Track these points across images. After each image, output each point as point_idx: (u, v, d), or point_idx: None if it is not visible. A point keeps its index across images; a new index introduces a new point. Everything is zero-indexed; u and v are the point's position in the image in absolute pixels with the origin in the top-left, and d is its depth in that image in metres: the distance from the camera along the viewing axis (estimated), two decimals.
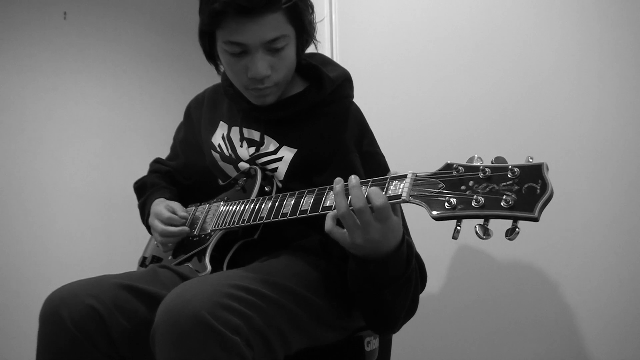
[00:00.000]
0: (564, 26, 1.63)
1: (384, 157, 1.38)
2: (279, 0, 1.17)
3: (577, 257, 1.57)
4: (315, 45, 1.39)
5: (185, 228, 1.39)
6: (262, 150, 1.38)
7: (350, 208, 0.98)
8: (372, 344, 1.34)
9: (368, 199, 0.97)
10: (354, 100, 1.44)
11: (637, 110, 1.49)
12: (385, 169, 1.36)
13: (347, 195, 1.00)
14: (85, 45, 3.52)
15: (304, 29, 1.28)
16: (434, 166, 0.95)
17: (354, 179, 1.00)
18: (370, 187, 1.01)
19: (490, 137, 1.76)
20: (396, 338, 1.45)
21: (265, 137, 1.38)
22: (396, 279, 1.07)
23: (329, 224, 1.02)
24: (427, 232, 1.22)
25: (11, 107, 3.25)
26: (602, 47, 1.55)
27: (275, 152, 1.36)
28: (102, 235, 3.43)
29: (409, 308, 1.17)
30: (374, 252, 1.02)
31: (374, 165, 1.33)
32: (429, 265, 1.23)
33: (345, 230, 1.01)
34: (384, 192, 0.98)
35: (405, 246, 1.07)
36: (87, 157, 3.45)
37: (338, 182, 1.02)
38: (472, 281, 1.78)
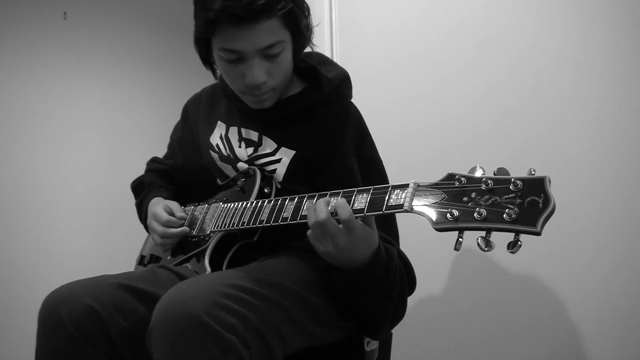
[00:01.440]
0: (564, 27, 1.64)
1: (381, 162, 1.39)
2: (274, 7, 1.17)
3: (577, 260, 1.58)
4: (312, 48, 1.39)
5: (185, 229, 1.39)
6: (261, 150, 1.38)
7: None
8: (372, 344, 1.35)
9: (335, 211, 1.02)
10: (353, 101, 1.44)
11: (638, 112, 1.50)
12: (382, 175, 1.37)
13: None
14: (85, 45, 3.52)
15: (300, 34, 1.28)
16: (434, 168, 0.96)
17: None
18: (339, 199, 1.05)
19: (491, 139, 1.77)
20: (396, 338, 1.46)
21: (264, 137, 1.39)
22: (375, 287, 1.11)
23: (309, 231, 1.07)
24: (427, 235, 1.22)
25: (11, 107, 3.24)
26: (604, 48, 1.56)
27: (273, 153, 1.36)
28: (101, 236, 3.42)
29: (395, 314, 1.20)
30: (350, 261, 1.07)
31: (371, 170, 1.34)
32: (430, 268, 1.24)
33: None
34: (385, 201, 0.99)
35: (384, 254, 1.10)
36: (86, 157, 3.45)
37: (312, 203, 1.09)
38: (472, 283, 1.79)
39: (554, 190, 0.81)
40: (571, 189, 1.56)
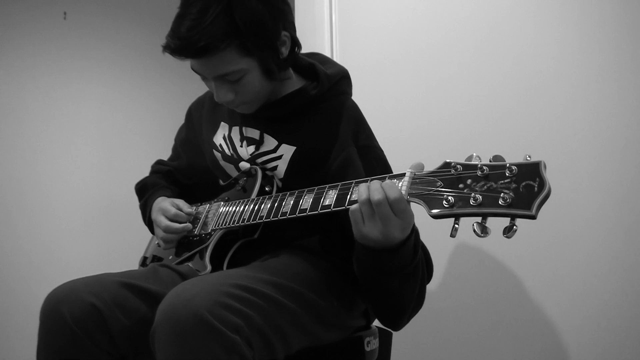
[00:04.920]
0: (564, 26, 1.63)
1: (382, 151, 1.38)
2: (216, 47, 1.16)
3: (575, 256, 1.57)
4: (297, 52, 1.35)
5: (189, 225, 1.40)
6: (262, 148, 1.38)
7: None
8: (372, 344, 1.35)
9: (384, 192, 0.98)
10: (353, 98, 1.44)
11: (637, 110, 1.49)
12: (384, 162, 1.36)
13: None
14: (85, 45, 3.52)
15: (267, 56, 1.25)
16: (434, 166, 0.96)
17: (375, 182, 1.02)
18: (386, 180, 1.02)
19: (490, 137, 1.77)
20: (396, 338, 1.46)
21: (265, 135, 1.39)
22: (404, 267, 1.08)
23: (354, 206, 1.02)
24: (425, 229, 1.23)
25: (11, 107, 3.25)
26: (602, 47, 1.56)
27: (274, 150, 1.36)
28: (102, 236, 3.43)
29: (417, 300, 1.18)
30: (385, 243, 1.03)
31: (371, 159, 1.33)
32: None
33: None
34: None
35: (413, 236, 1.08)
36: (87, 157, 3.46)
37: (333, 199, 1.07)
38: (471, 280, 1.78)
39: (553, 187, 0.81)
40: (570, 186, 1.56)
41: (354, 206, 1.02)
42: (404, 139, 1.97)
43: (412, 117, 1.99)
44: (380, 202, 0.97)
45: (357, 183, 1.06)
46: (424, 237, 1.20)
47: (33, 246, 3.20)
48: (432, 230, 1.30)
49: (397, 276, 1.08)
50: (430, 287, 1.17)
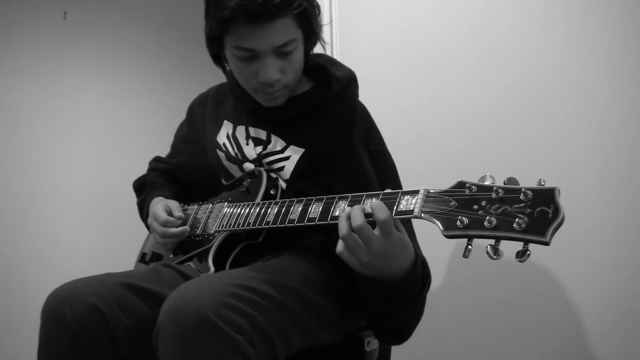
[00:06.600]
0: (568, 29, 1.65)
1: (391, 155, 1.39)
2: (290, 6, 1.18)
3: (579, 258, 1.59)
4: (323, 46, 1.40)
5: (186, 228, 1.39)
6: (270, 149, 1.38)
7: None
8: (372, 344, 1.35)
9: (372, 212, 0.98)
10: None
11: None
12: (393, 167, 1.37)
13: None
14: (85, 45, 3.51)
15: (312, 32, 1.29)
16: (435, 168, 0.96)
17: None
18: (375, 200, 1.02)
19: (493, 140, 1.77)
20: None
21: (272, 136, 1.39)
22: (413, 299, 1.08)
23: (339, 247, 1.02)
24: (428, 232, 1.23)
25: (11, 106, 3.23)
26: (607, 51, 1.58)
27: (282, 151, 1.36)
28: (101, 235, 3.41)
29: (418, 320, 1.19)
30: (387, 271, 1.03)
31: (382, 164, 1.34)
32: (432, 266, 1.24)
33: None
34: (394, 207, 0.99)
35: (420, 265, 1.08)
36: (87, 157, 3.44)
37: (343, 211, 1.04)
38: (473, 282, 1.79)
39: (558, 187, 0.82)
40: (576, 189, 1.57)
41: (338, 248, 1.02)
42: (405, 140, 1.96)
43: (413, 119, 1.99)
44: (359, 227, 0.97)
45: (369, 196, 1.05)
46: (426, 239, 1.20)
47: (32, 246, 3.18)
48: (434, 231, 1.31)
49: (405, 307, 1.08)
50: (432, 288, 1.18)
